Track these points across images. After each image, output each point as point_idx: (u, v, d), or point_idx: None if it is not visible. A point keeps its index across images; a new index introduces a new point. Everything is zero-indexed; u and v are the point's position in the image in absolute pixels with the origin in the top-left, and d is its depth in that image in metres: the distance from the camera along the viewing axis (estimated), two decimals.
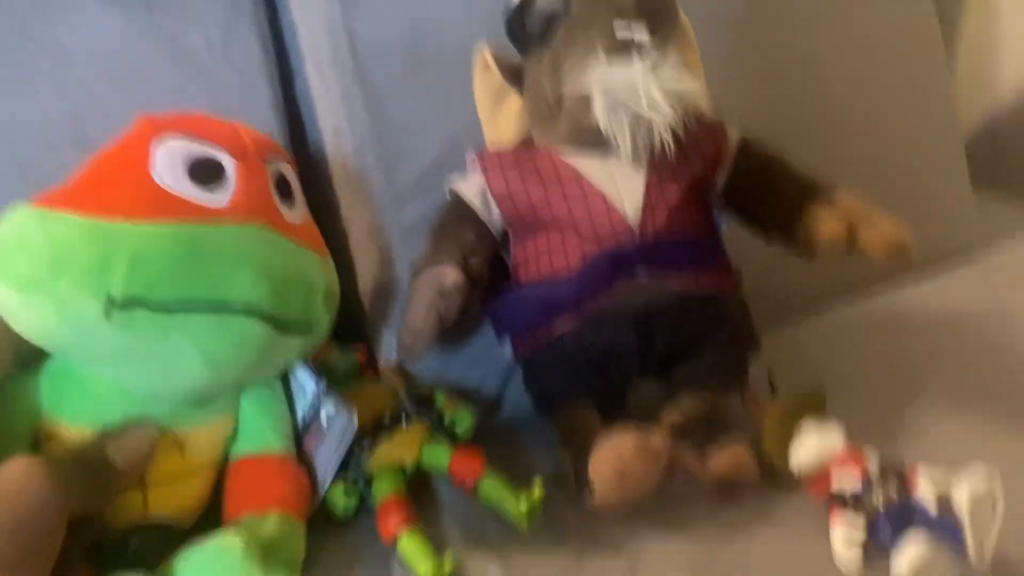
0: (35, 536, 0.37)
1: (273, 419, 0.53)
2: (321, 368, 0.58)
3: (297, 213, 0.52)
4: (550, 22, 0.55)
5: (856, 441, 0.54)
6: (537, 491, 0.50)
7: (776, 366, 0.64)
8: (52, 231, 0.41)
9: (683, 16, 0.58)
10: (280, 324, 0.46)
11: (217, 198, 0.46)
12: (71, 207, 0.42)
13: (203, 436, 0.49)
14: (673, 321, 0.55)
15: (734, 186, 0.59)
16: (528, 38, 0.56)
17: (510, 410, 0.64)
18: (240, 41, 0.61)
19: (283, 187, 0.51)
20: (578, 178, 0.55)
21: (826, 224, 0.53)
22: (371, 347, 0.64)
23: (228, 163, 0.48)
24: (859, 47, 0.80)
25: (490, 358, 0.63)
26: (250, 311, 0.45)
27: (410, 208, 0.62)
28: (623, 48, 0.50)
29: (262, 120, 0.62)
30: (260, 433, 0.52)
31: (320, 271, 0.51)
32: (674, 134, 0.50)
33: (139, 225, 0.42)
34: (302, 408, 0.54)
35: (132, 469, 0.44)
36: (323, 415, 0.53)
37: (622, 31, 0.49)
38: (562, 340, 0.56)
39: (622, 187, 0.55)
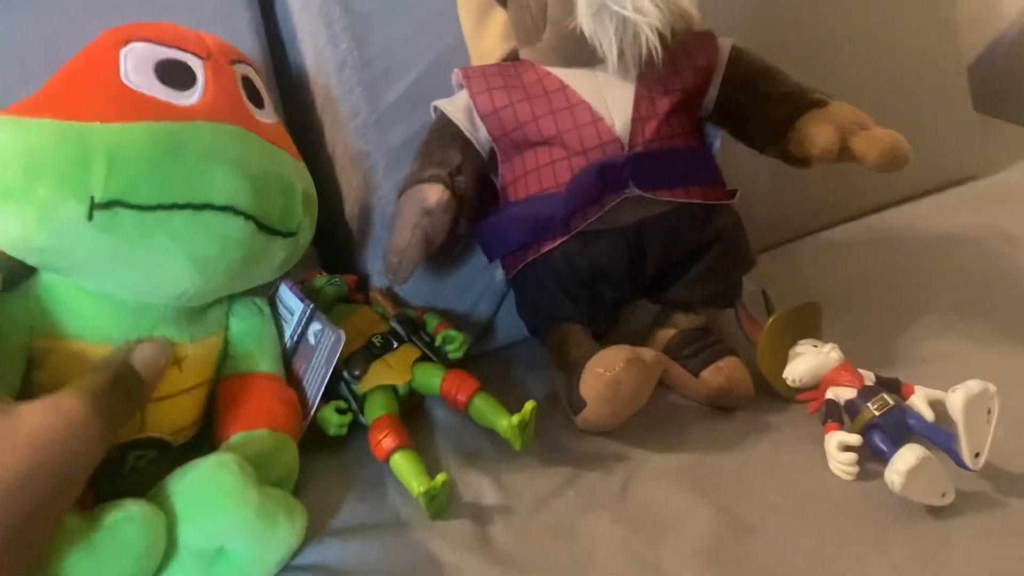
0: (83, 470, 0.38)
1: (262, 339, 0.52)
2: (309, 293, 0.57)
3: (267, 115, 0.51)
4: None
5: (853, 357, 0.54)
6: (528, 408, 0.50)
7: (773, 283, 0.63)
8: (24, 137, 0.40)
9: None
10: (262, 223, 0.46)
11: (188, 98, 0.45)
12: (42, 113, 0.41)
13: (198, 352, 0.49)
14: (665, 236, 0.54)
15: (726, 97, 0.57)
16: None
17: (504, 335, 0.64)
18: None
19: (251, 90, 0.50)
20: (565, 90, 0.54)
21: (819, 132, 0.52)
22: (360, 274, 0.63)
23: (196, 64, 0.47)
24: None
25: (481, 283, 0.62)
26: (231, 208, 0.44)
27: (395, 130, 0.60)
28: None
29: (242, 44, 0.60)
30: (249, 353, 0.51)
31: (296, 172, 0.50)
32: (662, 40, 0.49)
33: (113, 126, 0.41)
34: (290, 330, 0.54)
35: (155, 382, 0.44)
36: (310, 334, 0.52)
37: None
38: (552, 258, 0.55)
39: (611, 99, 0.53)
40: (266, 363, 0.52)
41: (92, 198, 0.40)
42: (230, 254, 0.45)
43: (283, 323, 0.54)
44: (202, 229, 0.44)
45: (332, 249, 0.66)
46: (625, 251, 0.54)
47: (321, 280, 0.59)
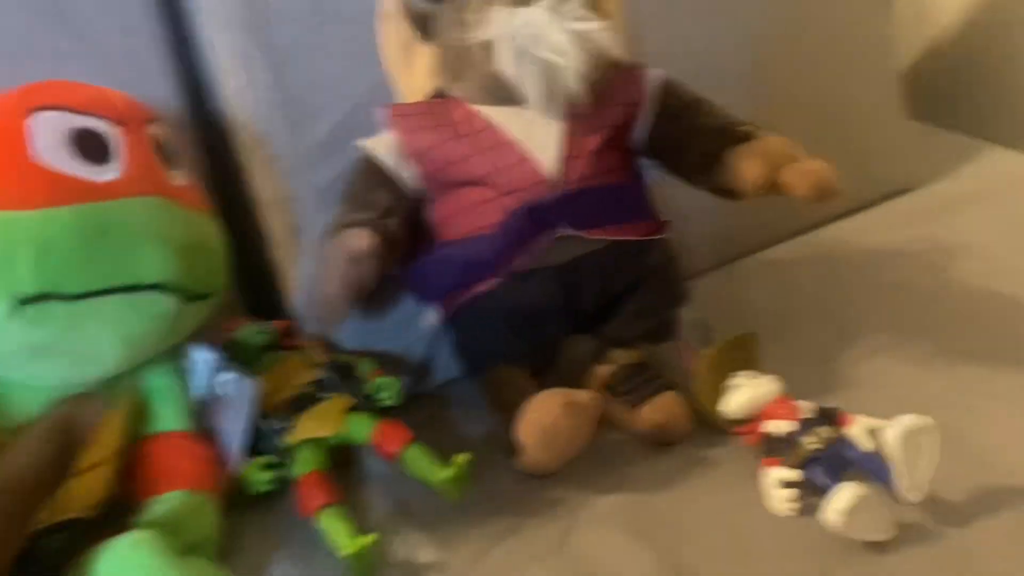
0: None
1: (171, 396, 0.51)
2: (231, 344, 0.56)
3: (181, 175, 0.50)
4: None
5: (790, 383, 0.54)
6: (461, 462, 0.49)
7: (714, 307, 0.63)
8: None
9: None
10: (188, 292, 0.45)
11: (106, 173, 0.44)
12: None
13: (113, 421, 0.47)
14: (599, 273, 0.54)
15: (656, 130, 0.57)
16: None
17: (441, 374, 0.63)
18: (126, 3, 0.57)
19: (164, 151, 0.49)
20: (493, 129, 0.53)
21: (748, 166, 0.52)
22: (291, 318, 0.61)
23: (111, 133, 0.46)
24: None
25: (416, 322, 0.61)
26: (160, 286, 0.44)
27: (321, 170, 0.59)
28: None
29: (156, 86, 0.58)
30: (160, 412, 0.50)
31: (212, 232, 0.50)
32: (586, 79, 0.48)
33: (34, 214, 0.40)
34: (202, 383, 0.52)
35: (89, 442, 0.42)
36: (224, 385, 0.51)
37: None
38: (486, 300, 0.54)
39: (539, 138, 0.53)
40: (177, 421, 0.50)
41: (18, 293, 0.39)
42: (159, 328, 0.45)
43: (193, 376, 0.52)
44: (132, 310, 0.43)
45: (261, 294, 0.64)
46: (559, 290, 0.53)
47: (247, 330, 0.57)
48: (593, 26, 0.48)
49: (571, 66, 0.47)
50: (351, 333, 0.60)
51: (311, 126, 0.59)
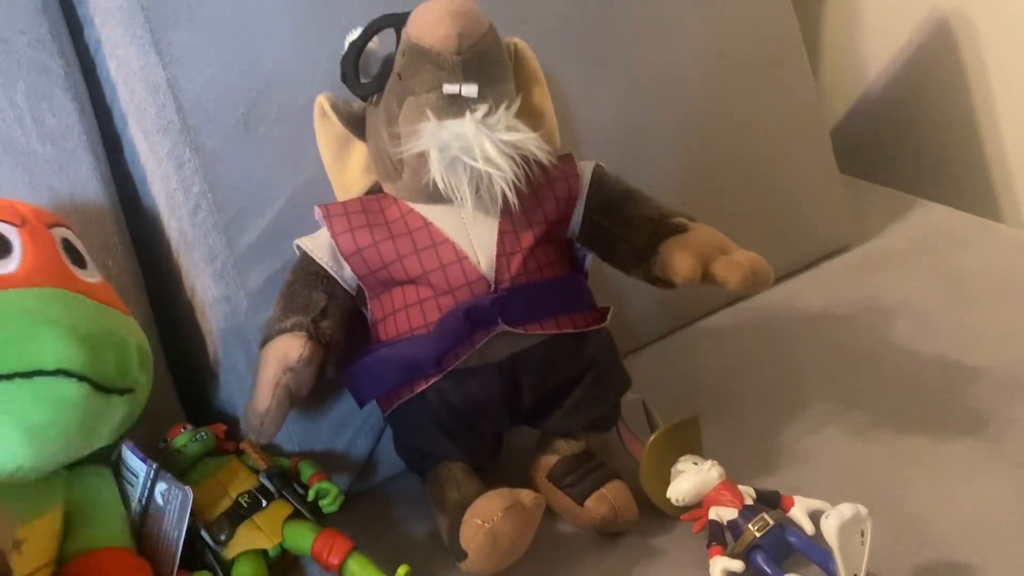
0: None
1: (106, 509, 0.50)
2: (167, 451, 0.55)
3: (91, 274, 0.50)
4: (383, 70, 0.52)
5: (734, 463, 0.54)
6: (403, 572, 0.48)
7: (655, 382, 0.63)
8: None
9: (523, 48, 0.57)
10: (96, 383, 0.44)
11: (5, 266, 0.45)
12: None
13: (39, 532, 0.46)
14: (538, 368, 0.54)
15: (590, 222, 0.57)
16: (363, 87, 0.53)
17: (385, 469, 0.62)
18: (52, 107, 0.57)
19: (72, 252, 0.50)
20: (429, 228, 0.53)
21: (680, 260, 0.52)
22: (229, 422, 0.60)
23: (10, 231, 0.47)
24: (718, 54, 0.79)
25: (357, 419, 0.60)
26: (62, 371, 0.43)
27: (255, 271, 0.58)
28: (453, 104, 0.47)
29: (87, 191, 0.58)
30: (94, 525, 0.49)
31: (128, 327, 0.49)
32: (518, 184, 0.49)
33: None
34: (137, 493, 0.51)
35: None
36: (158, 495, 0.50)
37: (449, 88, 0.47)
38: (426, 397, 0.53)
39: (475, 236, 0.53)
40: (113, 535, 0.49)
41: None
42: (66, 419, 0.44)
43: (129, 487, 0.52)
44: (33, 397, 0.42)
45: (199, 398, 0.63)
46: (500, 386, 0.53)
47: (183, 437, 0.56)
48: (522, 136, 0.48)
49: (502, 175, 0.47)
50: (290, 434, 0.59)
51: (243, 227, 0.58)
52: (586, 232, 0.58)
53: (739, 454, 0.56)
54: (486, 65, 0.48)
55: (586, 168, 0.58)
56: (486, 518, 0.48)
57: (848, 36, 1.12)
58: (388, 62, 0.52)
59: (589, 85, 0.71)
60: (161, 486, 0.50)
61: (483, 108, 0.48)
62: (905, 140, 1.08)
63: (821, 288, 0.82)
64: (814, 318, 0.78)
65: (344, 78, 0.54)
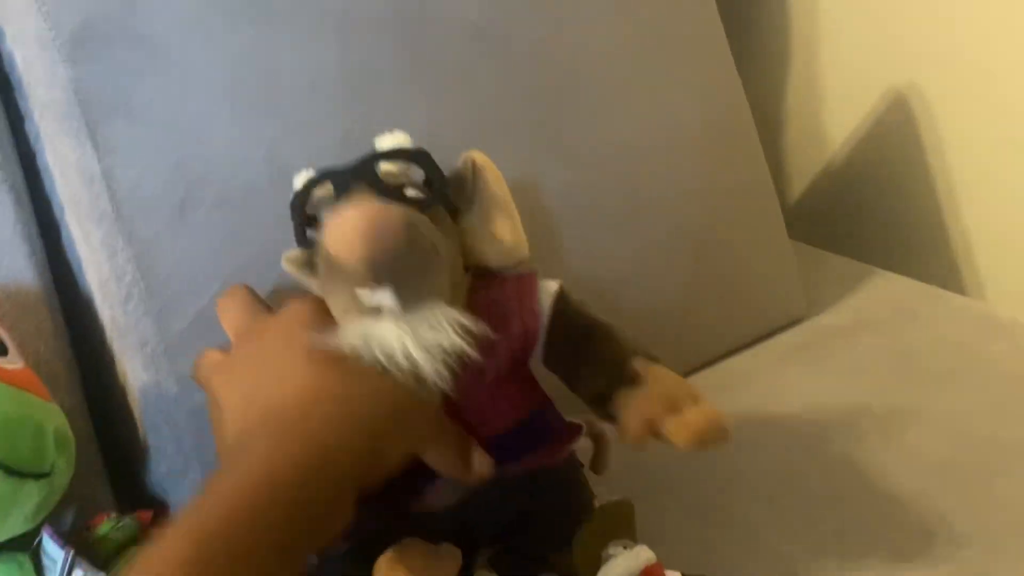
0: None
1: None
2: (88, 539, 0.54)
3: (12, 361, 0.51)
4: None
5: (666, 548, 0.54)
6: None
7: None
8: None
9: (481, 162, 0.53)
10: (9, 467, 0.45)
11: None
12: None
13: None
14: (495, 509, 0.53)
15: (553, 349, 0.54)
16: (306, 243, 0.51)
17: None
18: None
19: None
20: None
21: (629, 420, 0.50)
22: (158, 507, 0.60)
23: None
24: (667, 131, 0.80)
25: None
26: None
27: (186, 357, 0.59)
28: (372, 311, 0.45)
29: (21, 278, 0.59)
30: None
31: (46, 412, 0.50)
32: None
33: None
34: None
35: None
36: None
37: (365, 296, 0.44)
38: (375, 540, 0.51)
39: None
40: None
41: None
42: None
43: (46, 570, 0.51)
44: None
45: (131, 484, 0.63)
46: (451, 528, 0.52)
47: (105, 525, 0.56)
48: (447, 337, 0.45)
49: (432, 371, 0.44)
50: None
51: (175, 312, 0.59)
52: (549, 361, 0.55)
53: (672, 539, 0.56)
54: (405, 269, 0.45)
55: (546, 300, 0.54)
56: None
57: (810, 107, 1.14)
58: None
59: (535, 164, 0.72)
60: (78, 573, 0.50)
61: (402, 309, 0.44)
62: (867, 210, 1.09)
63: (770, 364, 0.82)
64: (762, 395, 0.78)
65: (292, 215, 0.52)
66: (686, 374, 0.80)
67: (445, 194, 0.51)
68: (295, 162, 0.51)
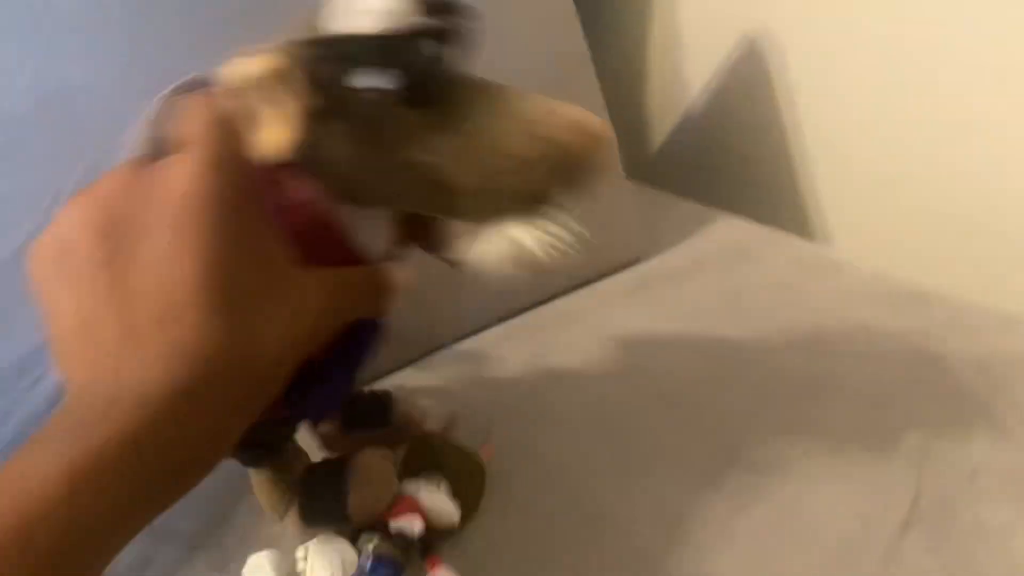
0: None
1: None
2: None
3: None
4: None
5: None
6: None
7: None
8: None
9: None
10: None
11: None
12: None
13: None
14: None
15: None
16: None
17: None
18: None
19: None
20: None
21: None
22: None
23: None
24: (501, 66, 0.77)
25: None
26: None
27: None
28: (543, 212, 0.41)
29: None
30: None
31: None
32: None
33: None
34: None
35: None
36: None
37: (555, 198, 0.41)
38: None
39: None
40: None
41: None
42: None
43: None
44: None
45: None
46: None
47: None
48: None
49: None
50: None
51: None
52: None
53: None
54: None
55: None
56: None
57: (671, 56, 1.14)
58: None
59: None
60: None
61: None
62: (722, 156, 1.10)
63: (597, 302, 0.83)
64: (581, 333, 0.77)
65: None
66: (514, 313, 0.81)
67: None
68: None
